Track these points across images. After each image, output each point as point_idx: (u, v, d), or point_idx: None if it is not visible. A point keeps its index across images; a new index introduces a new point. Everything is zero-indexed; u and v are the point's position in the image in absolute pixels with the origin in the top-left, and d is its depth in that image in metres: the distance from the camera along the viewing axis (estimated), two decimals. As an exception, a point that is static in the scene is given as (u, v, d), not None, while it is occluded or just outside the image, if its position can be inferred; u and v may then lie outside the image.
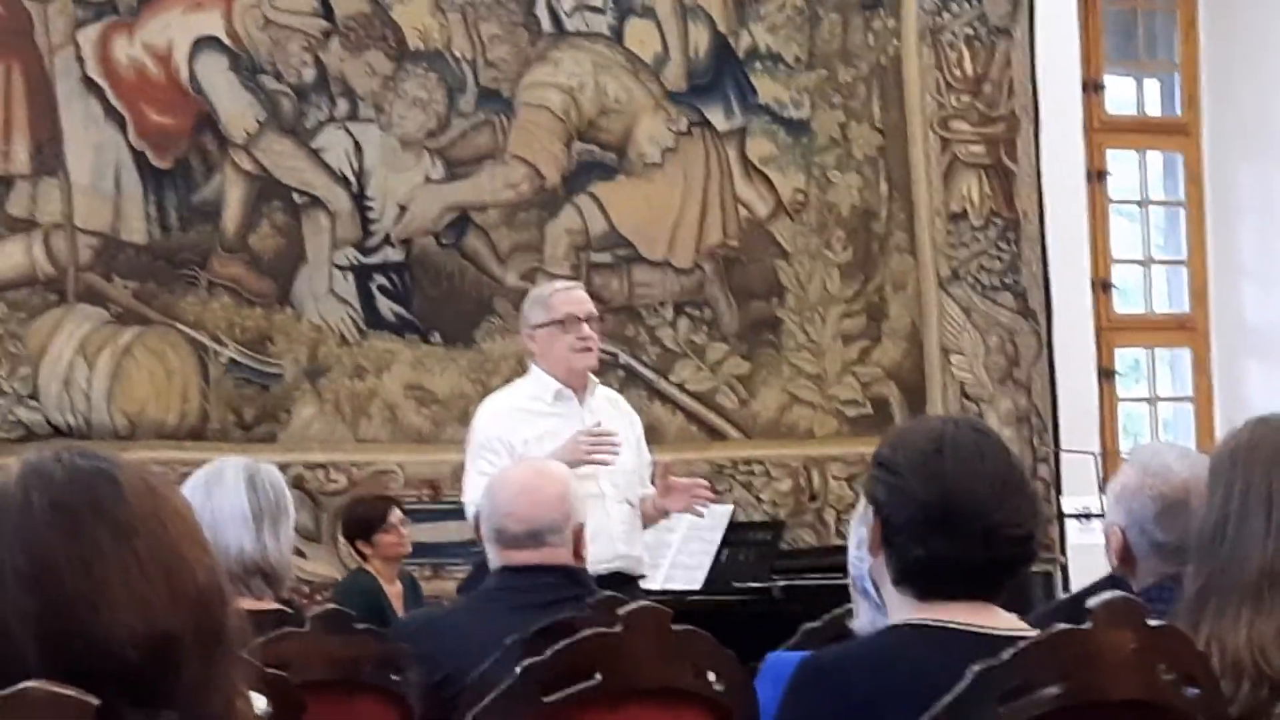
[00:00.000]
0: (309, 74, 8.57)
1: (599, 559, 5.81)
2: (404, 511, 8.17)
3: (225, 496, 4.04)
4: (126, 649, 1.73)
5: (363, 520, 8.13)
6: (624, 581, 6.06)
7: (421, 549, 8.26)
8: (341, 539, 8.27)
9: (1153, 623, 2.77)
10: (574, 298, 6.43)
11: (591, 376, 6.44)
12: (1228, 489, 3.14)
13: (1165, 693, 2.77)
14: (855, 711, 2.74)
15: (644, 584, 6.44)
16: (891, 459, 2.89)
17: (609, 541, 6.09)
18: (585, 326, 6.33)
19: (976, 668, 2.63)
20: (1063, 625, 2.71)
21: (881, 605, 2.97)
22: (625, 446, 6.32)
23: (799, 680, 2.84)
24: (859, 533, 3.06)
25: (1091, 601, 2.75)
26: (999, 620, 2.85)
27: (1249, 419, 3.26)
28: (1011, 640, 2.72)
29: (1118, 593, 2.84)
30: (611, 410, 6.48)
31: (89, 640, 1.73)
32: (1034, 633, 2.79)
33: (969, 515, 2.82)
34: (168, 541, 1.80)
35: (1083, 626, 2.71)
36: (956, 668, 2.64)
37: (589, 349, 6.34)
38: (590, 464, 6.07)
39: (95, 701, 1.67)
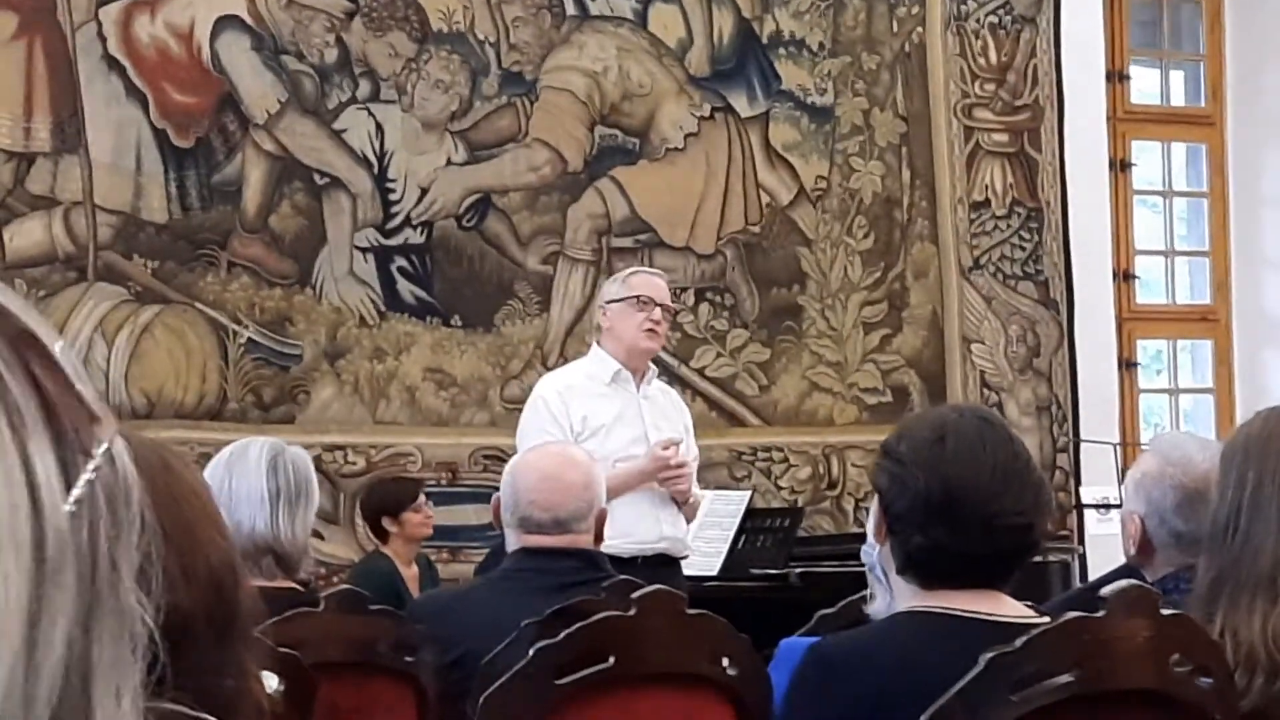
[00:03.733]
0: (331, 54, 8.56)
1: (645, 539, 6.05)
2: (426, 495, 8.17)
3: (245, 475, 4.04)
4: (135, 628, 1.72)
5: (392, 498, 8.06)
6: (668, 563, 6.17)
7: (439, 532, 8.23)
8: (361, 520, 8.24)
9: (1166, 612, 2.76)
10: (654, 283, 6.51)
11: (650, 365, 6.50)
12: (1240, 480, 3.11)
13: (1178, 683, 2.76)
14: (862, 698, 2.73)
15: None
16: (895, 448, 2.90)
17: (655, 523, 6.18)
18: (658, 311, 6.39)
19: (989, 654, 2.62)
20: (1076, 613, 2.71)
21: (893, 592, 2.97)
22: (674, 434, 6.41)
23: (805, 668, 2.84)
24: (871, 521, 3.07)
25: (1106, 590, 2.74)
26: (1006, 608, 2.85)
27: (1260, 410, 3.25)
28: (1020, 628, 2.71)
29: (1132, 581, 2.84)
30: (663, 400, 6.54)
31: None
32: (1043, 620, 2.78)
33: (968, 504, 2.81)
34: (181, 521, 1.80)
35: (1096, 615, 2.70)
36: (965, 655, 2.63)
37: (656, 333, 6.41)
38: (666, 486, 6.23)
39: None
